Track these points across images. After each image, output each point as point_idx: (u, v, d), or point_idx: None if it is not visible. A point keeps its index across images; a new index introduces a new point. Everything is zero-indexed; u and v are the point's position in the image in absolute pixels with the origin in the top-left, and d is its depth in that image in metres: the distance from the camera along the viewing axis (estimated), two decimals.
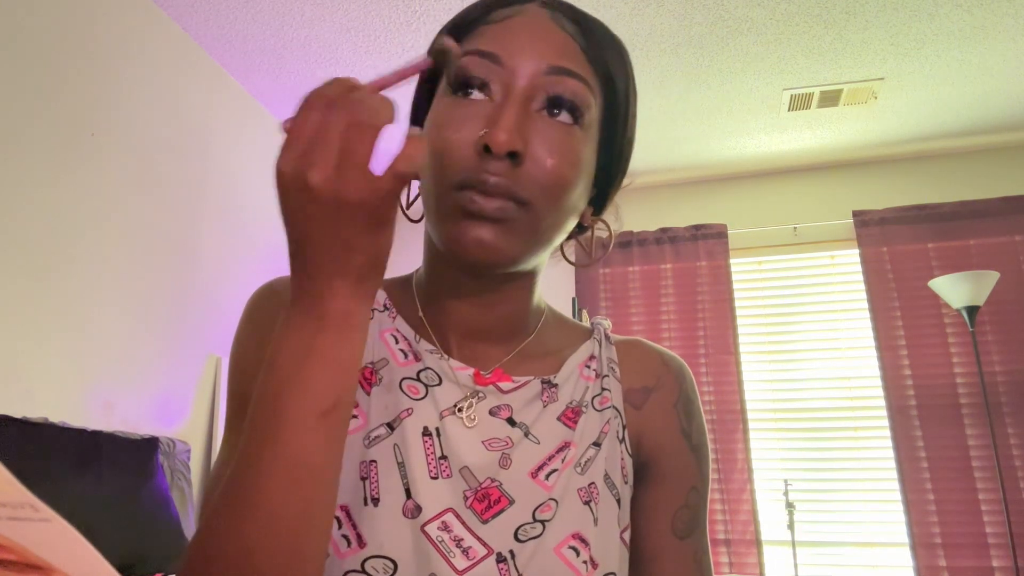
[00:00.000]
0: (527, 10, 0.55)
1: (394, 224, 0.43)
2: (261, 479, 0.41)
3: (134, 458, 1.85)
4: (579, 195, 0.56)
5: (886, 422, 3.12)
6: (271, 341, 0.44)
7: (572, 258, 0.66)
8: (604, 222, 0.64)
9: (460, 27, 0.56)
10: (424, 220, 0.58)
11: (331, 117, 0.40)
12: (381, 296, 0.62)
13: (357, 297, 0.43)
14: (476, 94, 0.53)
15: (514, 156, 0.50)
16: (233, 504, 0.42)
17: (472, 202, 0.50)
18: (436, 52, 0.48)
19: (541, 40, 0.54)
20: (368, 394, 0.56)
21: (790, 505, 2.90)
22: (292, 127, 0.41)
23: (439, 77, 0.57)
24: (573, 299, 3.50)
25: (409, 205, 0.59)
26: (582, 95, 0.54)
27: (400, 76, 0.48)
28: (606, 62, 0.57)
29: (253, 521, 0.41)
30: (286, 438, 0.41)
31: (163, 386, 2.27)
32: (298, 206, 0.40)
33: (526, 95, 0.52)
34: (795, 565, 2.85)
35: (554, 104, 0.53)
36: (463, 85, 0.53)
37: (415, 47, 2.55)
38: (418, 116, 0.60)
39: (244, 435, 0.43)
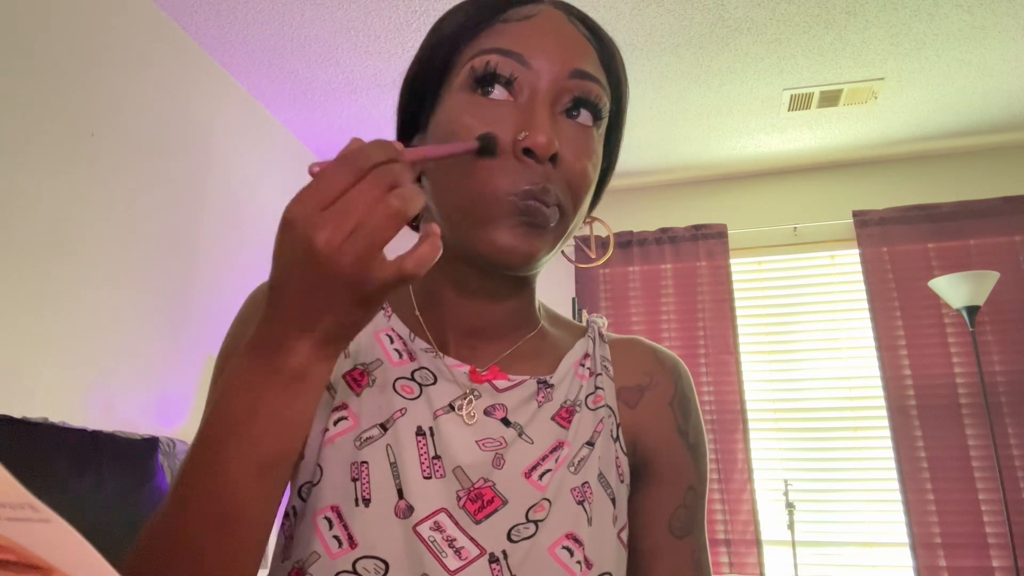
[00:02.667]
0: (543, 10, 0.55)
1: (380, 305, 0.42)
2: (192, 523, 0.41)
3: (134, 458, 1.85)
4: (591, 195, 0.57)
5: (886, 422, 3.12)
6: (223, 381, 0.43)
7: (571, 256, 0.67)
8: (602, 221, 0.64)
9: (474, 21, 0.55)
10: (427, 219, 0.58)
11: (364, 187, 0.39)
12: None
13: (318, 357, 0.42)
14: (498, 93, 0.52)
15: (554, 159, 0.51)
16: (162, 541, 0.42)
17: (539, 212, 0.51)
18: (485, 139, 0.49)
19: (563, 43, 0.54)
20: (358, 396, 0.56)
21: (790, 505, 2.90)
22: (320, 177, 0.39)
23: (438, 75, 0.57)
24: (573, 299, 3.50)
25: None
26: (602, 97, 0.55)
27: (444, 153, 0.48)
28: (615, 65, 0.58)
29: (178, 562, 0.41)
30: (222, 488, 0.41)
31: (163, 386, 2.27)
32: (292, 257, 0.39)
33: (552, 97, 0.53)
34: (795, 565, 2.85)
35: (577, 106, 0.54)
36: (486, 82, 0.52)
37: (415, 47, 2.55)
38: (414, 115, 0.59)
39: (181, 471, 0.43)
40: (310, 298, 0.40)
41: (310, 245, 0.38)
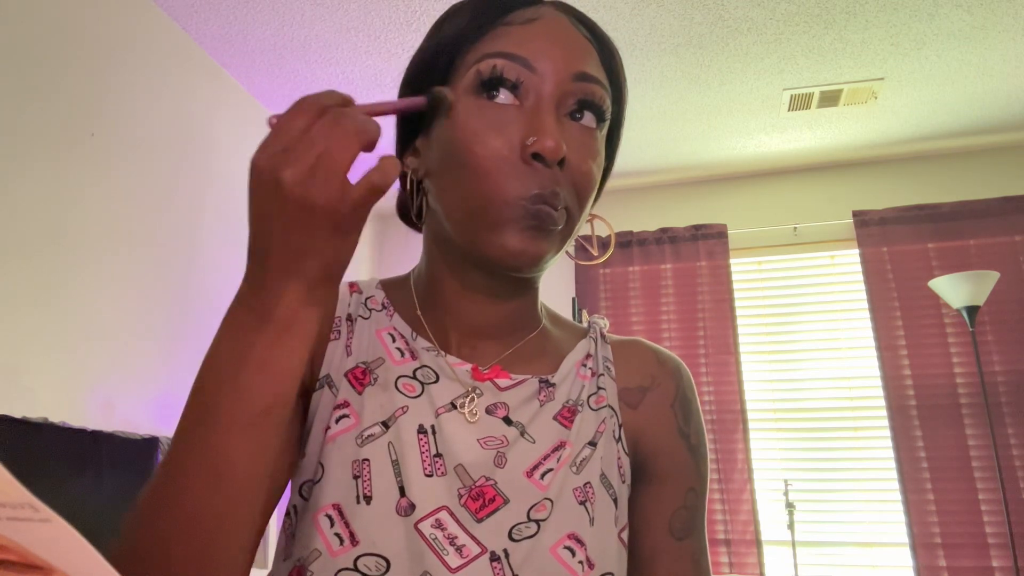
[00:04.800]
0: (546, 13, 0.56)
1: (359, 235, 0.43)
2: (184, 476, 0.42)
3: (134, 458, 1.85)
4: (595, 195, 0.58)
5: (886, 422, 3.12)
6: (214, 336, 0.44)
7: (572, 255, 0.67)
8: (603, 219, 0.65)
9: (477, 24, 0.55)
10: (431, 221, 0.58)
11: (321, 124, 0.40)
12: (379, 296, 0.63)
13: (306, 303, 0.42)
14: (503, 97, 0.53)
15: (562, 163, 0.51)
16: (155, 497, 0.43)
17: (548, 216, 0.51)
18: (434, 97, 0.50)
19: (566, 46, 0.54)
20: (360, 394, 0.56)
21: (790, 505, 2.90)
22: (278, 124, 0.41)
23: (441, 78, 0.56)
24: (573, 299, 3.50)
25: (417, 214, 0.59)
26: (605, 99, 0.55)
27: (393, 108, 0.49)
28: (615, 67, 0.58)
29: (170, 517, 0.41)
30: (214, 439, 0.41)
31: (163, 386, 2.27)
32: (265, 202, 0.40)
33: (557, 100, 0.53)
34: (795, 565, 2.85)
35: (580, 109, 0.54)
36: (491, 86, 0.53)
37: (415, 47, 2.55)
38: (412, 116, 0.59)
39: (176, 431, 0.43)
40: (288, 239, 0.41)
41: (278, 184, 0.39)
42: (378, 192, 0.41)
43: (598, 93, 0.55)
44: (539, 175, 0.51)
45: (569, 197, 0.53)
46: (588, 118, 0.55)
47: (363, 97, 2.91)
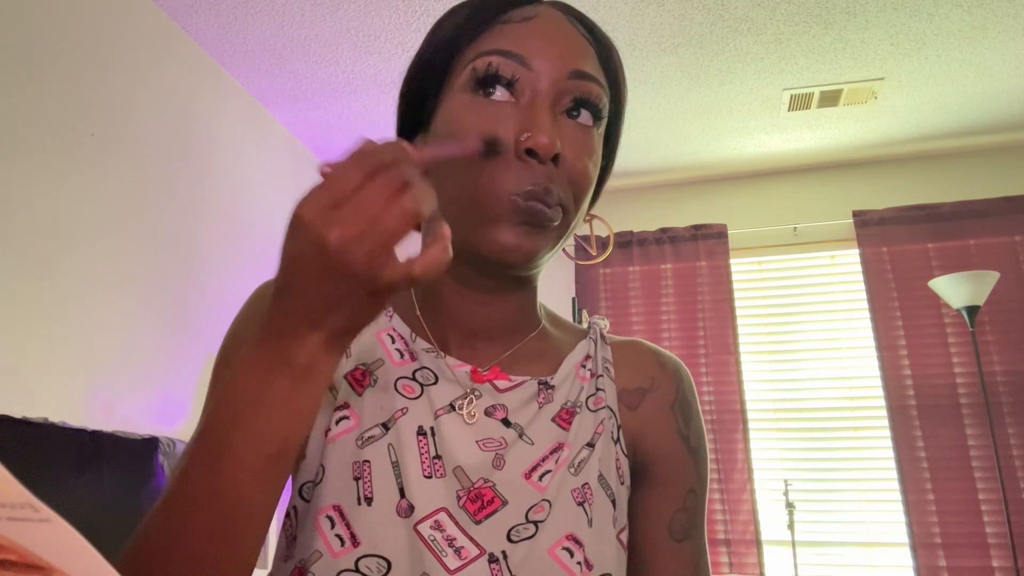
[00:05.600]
0: (543, 11, 0.56)
1: (388, 301, 0.42)
2: (193, 511, 0.42)
3: (134, 458, 1.85)
4: (591, 193, 0.58)
5: (886, 422, 3.12)
6: (230, 372, 0.43)
7: (571, 255, 0.67)
8: (602, 219, 0.65)
9: (475, 22, 0.56)
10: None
11: (376, 186, 0.39)
12: None
13: (326, 351, 0.42)
14: (499, 94, 0.53)
15: (556, 159, 0.51)
16: (163, 528, 0.42)
17: (542, 213, 0.51)
18: (488, 140, 0.50)
19: (563, 43, 0.54)
20: (360, 395, 0.56)
21: (790, 505, 2.90)
22: (331, 177, 0.39)
23: (439, 76, 0.57)
24: (573, 299, 3.50)
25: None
26: (602, 98, 0.55)
27: (450, 155, 0.49)
28: (613, 65, 0.58)
29: (180, 552, 0.41)
30: (226, 476, 0.41)
31: (163, 386, 2.27)
32: (303, 255, 0.39)
33: (553, 98, 0.53)
34: (795, 565, 2.85)
35: (577, 106, 0.54)
36: (487, 83, 0.53)
37: (415, 47, 2.55)
38: (414, 111, 0.59)
39: (185, 459, 0.43)
40: (320, 295, 0.40)
41: (323, 243, 0.38)
42: (419, 283, 0.41)
43: (595, 91, 0.55)
44: (533, 171, 0.51)
45: (564, 194, 0.53)
46: (585, 116, 0.55)
47: (363, 97, 2.91)
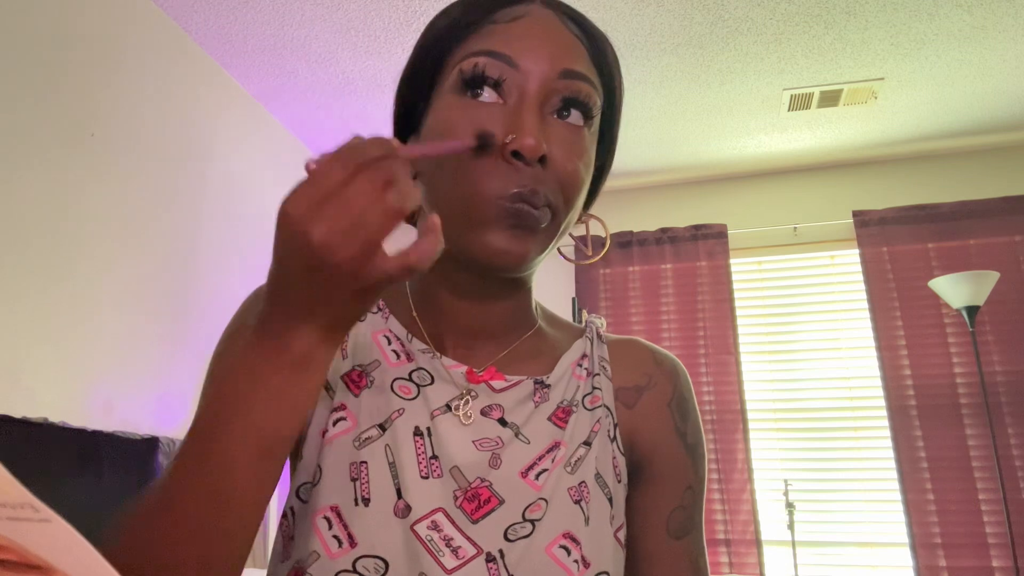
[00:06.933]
0: (533, 11, 0.55)
1: (380, 295, 0.42)
2: (186, 500, 0.42)
3: (134, 458, 1.85)
4: (585, 194, 0.57)
5: (886, 422, 3.12)
6: (225, 364, 0.43)
7: (569, 255, 0.67)
8: (598, 219, 0.64)
9: (464, 23, 0.55)
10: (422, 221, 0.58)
11: (361, 182, 0.38)
12: None
13: (321, 343, 0.42)
14: (487, 95, 0.52)
15: (543, 161, 0.51)
16: (155, 514, 0.42)
17: (528, 215, 0.51)
18: (481, 135, 0.49)
19: (552, 43, 0.54)
20: (356, 396, 0.56)
21: (790, 505, 2.90)
22: (316, 173, 0.39)
23: (430, 77, 0.57)
24: (573, 299, 3.50)
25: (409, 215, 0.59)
26: (592, 97, 0.55)
27: (440, 151, 0.49)
28: (607, 63, 0.58)
29: (173, 541, 0.41)
30: (221, 467, 0.41)
31: (163, 386, 2.27)
32: (290, 251, 0.39)
33: (541, 98, 0.52)
34: (795, 565, 2.85)
35: (566, 106, 0.54)
36: (474, 84, 0.52)
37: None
38: (408, 113, 0.59)
39: (178, 453, 0.43)
40: (309, 290, 0.40)
41: (307, 239, 0.38)
42: (413, 273, 0.40)
43: (584, 90, 0.54)
44: (519, 174, 0.50)
45: (553, 196, 0.52)
46: (575, 116, 0.54)
47: (362, 97, 2.91)
